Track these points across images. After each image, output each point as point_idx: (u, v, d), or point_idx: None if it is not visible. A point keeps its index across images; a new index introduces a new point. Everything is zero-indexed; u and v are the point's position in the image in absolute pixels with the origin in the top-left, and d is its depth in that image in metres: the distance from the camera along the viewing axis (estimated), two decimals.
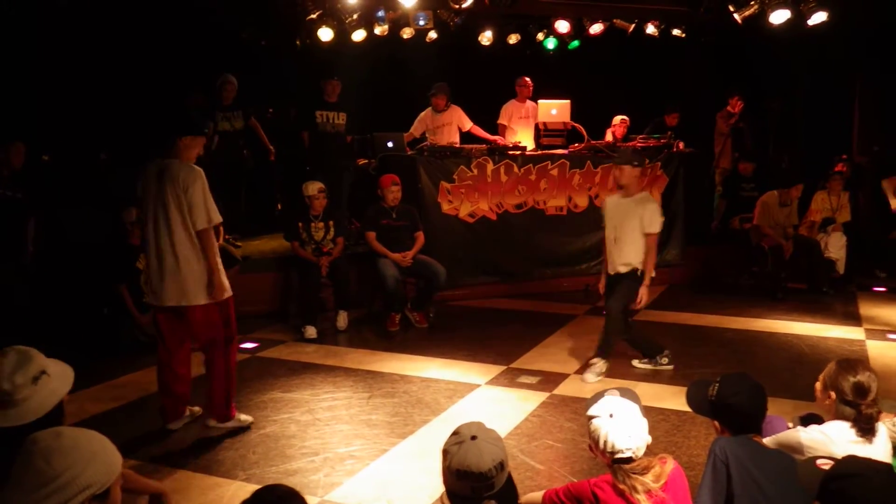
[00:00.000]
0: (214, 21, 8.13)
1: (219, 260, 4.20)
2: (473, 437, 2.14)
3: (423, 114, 8.32)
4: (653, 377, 5.20)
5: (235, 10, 8.12)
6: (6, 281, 5.65)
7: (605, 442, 2.31)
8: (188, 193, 4.05)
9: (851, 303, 7.34)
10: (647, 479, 2.26)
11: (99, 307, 6.17)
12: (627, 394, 2.47)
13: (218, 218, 4.17)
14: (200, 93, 7.73)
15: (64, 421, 2.40)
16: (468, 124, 8.35)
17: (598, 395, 2.46)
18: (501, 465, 2.12)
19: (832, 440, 2.66)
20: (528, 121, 8.58)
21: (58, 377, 2.39)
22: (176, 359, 4.33)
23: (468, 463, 2.09)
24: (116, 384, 5.12)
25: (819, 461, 2.23)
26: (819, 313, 6.89)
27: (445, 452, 2.17)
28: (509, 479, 2.19)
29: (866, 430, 2.65)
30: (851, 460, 1.99)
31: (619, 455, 2.30)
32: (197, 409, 4.54)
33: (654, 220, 5.12)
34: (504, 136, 8.46)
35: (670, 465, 2.34)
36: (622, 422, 2.32)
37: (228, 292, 4.27)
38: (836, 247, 7.91)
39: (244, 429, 4.33)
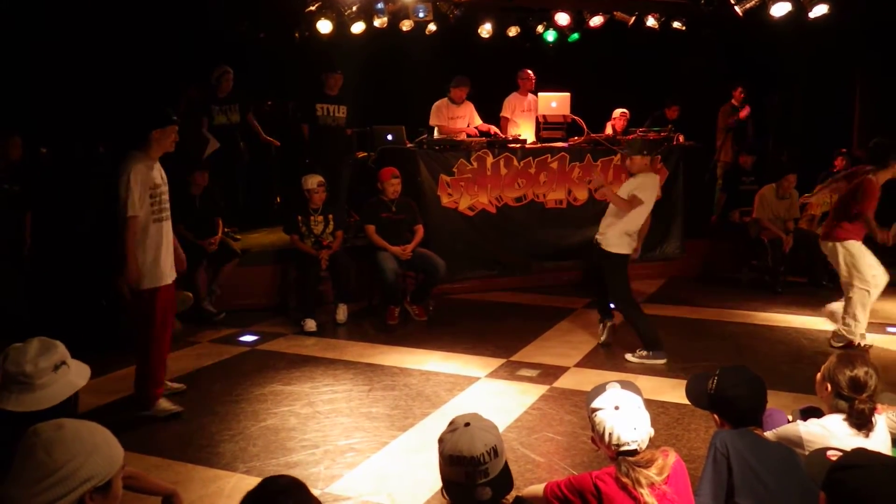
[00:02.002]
0: (212, 13, 8.10)
1: (135, 250, 4.20)
2: (467, 424, 2.18)
3: (439, 102, 8.22)
4: (652, 370, 5.21)
5: (234, 3, 8.09)
6: (3, 274, 5.64)
7: (611, 434, 2.31)
8: (118, 184, 4.13)
9: None
10: (651, 472, 2.25)
11: (97, 299, 6.16)
12: (628, 386, 2.47)
13: (130, 212, 4.13)
14: (197, 86, 7.70)
15: (76, 415, 2.41)
16: (477, 122, 8.35)
17: (600, 388, 2.46)
18: (495, 451, 2.14)
19: (832, 433, 2.67)
20: (531, 114, 8.56)
21: (76, 370, 2.45)
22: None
23: (460, 447, 2.12)
24: (116, 377, 5.11)
25: (829, 452, 2.23)
26: (818, 307, 6.83)
27: (440, 441, 2.21)
28: (506, 468, 2.20)
29: (859, 424, 2.66)
30: (859, 452, 1.99)
31: (625, 447, 2.30)
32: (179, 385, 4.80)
33: (626, 188, 5.36)
34: (506, 130, 8.44)
35: (672, 457, 2.34)
36: (628, 414, 2.32)
37: (135, 283, 4.25)
38: None
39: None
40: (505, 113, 8.62)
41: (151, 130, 4.21)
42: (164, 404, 4.42)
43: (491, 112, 8.60)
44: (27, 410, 2.27)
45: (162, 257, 4.34)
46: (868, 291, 5.46)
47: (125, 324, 5.87)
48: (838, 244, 5.49)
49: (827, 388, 2.76)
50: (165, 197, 4.38)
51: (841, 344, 5.54)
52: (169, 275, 4.42)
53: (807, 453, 2.64)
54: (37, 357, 2.34)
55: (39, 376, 2.32)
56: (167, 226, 4.39)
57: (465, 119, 8.27)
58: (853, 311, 5.50)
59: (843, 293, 5.61)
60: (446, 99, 8.21)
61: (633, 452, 2.30)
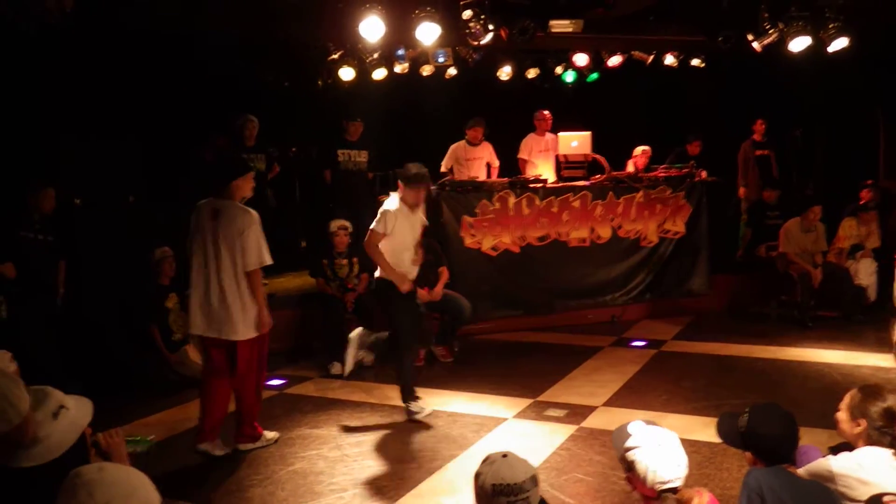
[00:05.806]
0: (238, 64, 8.31)
1: (264, 297, 4.55)
2: (504, 456, 2.21)
3: (454, 145, 8.40)
4: (683, 409, 5.13)
5: (259, 53, 8.30)
6: (37, 323, 5.74)
7: (655, 472, 2.26)
8: (244, 236, 4.37)
9: (884, 330, 7.19)
10: None
11: (129, 347, 6.24)
12: (652, 425, 2.44)
13: (269, 259, 4.49)
14: (224, 135, 7.87)
15: (89, 452, 2.41)
16: (496, 163, 8.43)
17: (623, 429, 2.42)
18: (534, 480, 2.16)
19: (863, 467, 2.63)
20: (548, 154, 8.63)
21: (77, 409, 2.40)
22: (219, 384, 4.55)
23: (502, 475, 2.13)
24: (146, 423, 5.16)
25: (886, 498, 2.17)
26: (851, 341, 6.77)
27: (478, 475, 2.21)
28: (543, 501, 2.20)
29: None
30: None
31: (668, 485, 2.26)
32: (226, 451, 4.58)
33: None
34: (525, 171, 8.51)
35: (706, 497, 2.29)
36: (669, 451, 2.28)
37: (270, 324, 4.61)
38: (866, 273, 7.80)
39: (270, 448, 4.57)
40: (522, 154, 8.69)
41: (233, 179, 4.46)
42: (269, 433, 4.75)
43: (512, 154, 8.68)
44: (39, 464, 2.23)
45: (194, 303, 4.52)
46: None
47: (157, 371, 6.00)
48: None
49: (860, 425, 2.71)
50: None
51: None
52: (202, 327, 4.51)
53: (840, 488, 2.59)
54: (33, 411, 2.27)
55: (41, 429, 2.27)
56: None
57: (484, 160, 8.37)
58: None
59: None
60: (463, 141, 8.33)
61: (675, 490, 2.26)
